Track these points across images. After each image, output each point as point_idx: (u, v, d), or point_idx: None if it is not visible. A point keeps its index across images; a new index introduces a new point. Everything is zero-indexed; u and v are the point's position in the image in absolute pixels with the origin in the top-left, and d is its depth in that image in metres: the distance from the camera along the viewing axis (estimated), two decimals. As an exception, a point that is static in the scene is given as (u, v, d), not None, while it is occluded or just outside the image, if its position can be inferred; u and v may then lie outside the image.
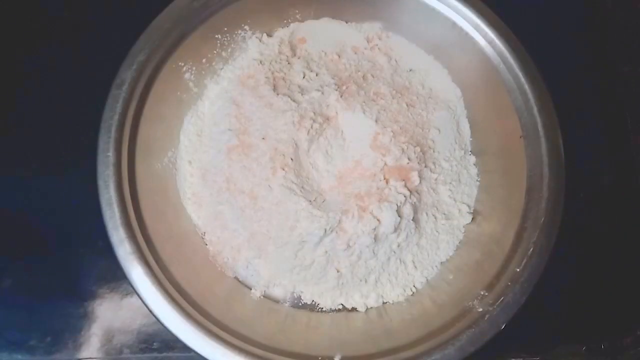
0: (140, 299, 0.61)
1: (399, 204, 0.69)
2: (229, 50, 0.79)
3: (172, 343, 0.71)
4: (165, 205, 0.71)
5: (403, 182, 0.70)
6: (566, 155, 0.69)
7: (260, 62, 0.78)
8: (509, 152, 0.74)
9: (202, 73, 0.78)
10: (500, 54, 0.74)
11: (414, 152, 0.73)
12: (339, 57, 0.81)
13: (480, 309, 0.63)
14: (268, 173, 0.69)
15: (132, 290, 0.62)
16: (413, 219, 0.71)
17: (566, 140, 0.70)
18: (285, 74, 0.78)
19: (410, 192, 0.70)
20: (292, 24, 0.82)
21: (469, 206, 0.76)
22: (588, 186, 0.83)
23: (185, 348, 0.60)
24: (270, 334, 0.65)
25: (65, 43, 0.84)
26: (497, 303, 0.63)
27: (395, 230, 0.68)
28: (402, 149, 0.72)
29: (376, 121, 0.73)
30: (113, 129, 0.65)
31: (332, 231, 0.67)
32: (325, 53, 0.81)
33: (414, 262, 0.72)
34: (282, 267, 0.70)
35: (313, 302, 0.72)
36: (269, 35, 0.81)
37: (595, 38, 0.92)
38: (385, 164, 0.71)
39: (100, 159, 0.64)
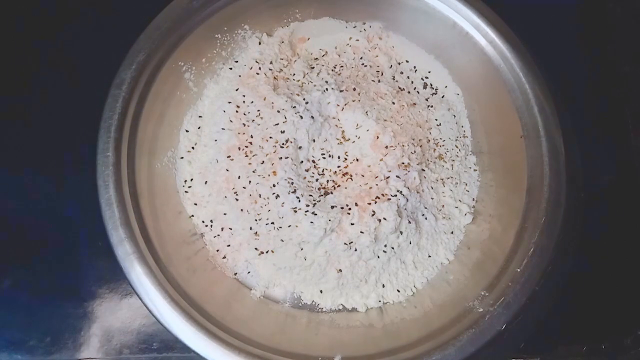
0: (140, 299, 0.61)
1: (399, 204, 0.69)
2: (229, 49, 0.79)
3: (172, 343, 0.71)
4: (165, 205, 0.71)
5: (403, 182, 0.70)
6: (566, 155, 0.69)
7: (260, 61, 0.78)
8: (509, 152, 0.74)
9: (202, 73, 0.78)
10: (501, 54, 0.74)
11: (414, 152, 0.73)
12: (339, 56, 0.81)
13: (481, 309, 0.63)
14: (268, 173, 0.69)
15: (132, 291, 0.62)
16: (413, 219, 0.71)
17: (566, 140, 0.70)
18: (285, 73, 0.78)
19: (411, 192, 0.70)
20: (292, 24, 0.82)
21: (469, 206, 0.76)
22: (588, 186, 0.83)
23: (185, 348, 0.60)
24: (270, 334, 0.65)
25: (65, 43, 0.84)
26: (498, 303, 0.63)
27: (396, 230, 0.68)
28: (403, 149, 0.72)
29: (376, 121, 0.73)
30: (113, 129, 0.65)
31: (332, 231, 0.67)
32: (326, 53, 0.81)
33: (414, 262, 0.72)
34: (282, 267, 0.70)
35: (313, 302, 0.72)
36: (269, 35, 0.81)
37: (595, 38, 0.92)
38: (386, 163, 0.71)
39: (100, 159, 0.64)
